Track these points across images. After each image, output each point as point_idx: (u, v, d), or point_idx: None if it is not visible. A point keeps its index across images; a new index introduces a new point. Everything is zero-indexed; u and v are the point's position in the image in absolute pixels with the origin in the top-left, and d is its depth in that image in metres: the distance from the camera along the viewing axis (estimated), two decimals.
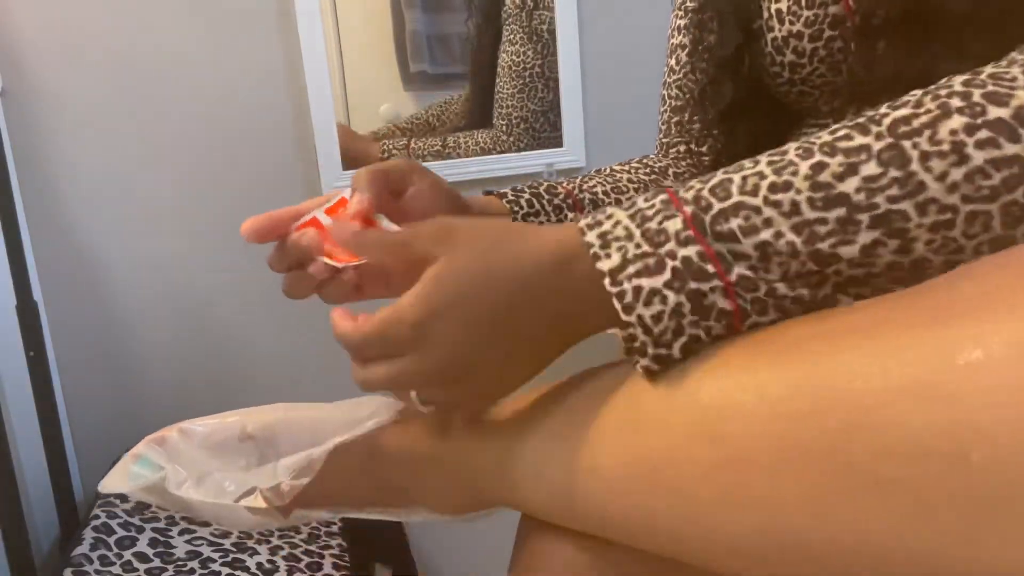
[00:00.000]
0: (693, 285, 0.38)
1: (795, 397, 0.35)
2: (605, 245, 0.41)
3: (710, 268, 0.38)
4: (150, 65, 1.18)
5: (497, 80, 1.30)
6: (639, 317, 0.39)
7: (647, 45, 1.25)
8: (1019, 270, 0.32)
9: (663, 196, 0.41)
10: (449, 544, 1.41)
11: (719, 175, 0.40)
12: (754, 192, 0.38)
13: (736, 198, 0.38)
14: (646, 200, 0.41)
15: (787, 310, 0.39)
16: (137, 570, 0.97)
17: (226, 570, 0.99)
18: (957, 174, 0.35)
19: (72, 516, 1.17)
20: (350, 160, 1.24)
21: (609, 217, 0.42)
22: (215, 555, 1.02)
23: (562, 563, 0.47)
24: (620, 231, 0.41)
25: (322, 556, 1.06)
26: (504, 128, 1.31)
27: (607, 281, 0.40)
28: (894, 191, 0.36)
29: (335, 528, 1.14)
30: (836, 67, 0.54)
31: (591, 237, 0.41)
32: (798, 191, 0.37)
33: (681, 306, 0.39)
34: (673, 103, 0.75)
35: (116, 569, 0.97)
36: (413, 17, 1.23)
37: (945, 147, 0.35)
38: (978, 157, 0.34)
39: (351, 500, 0.56)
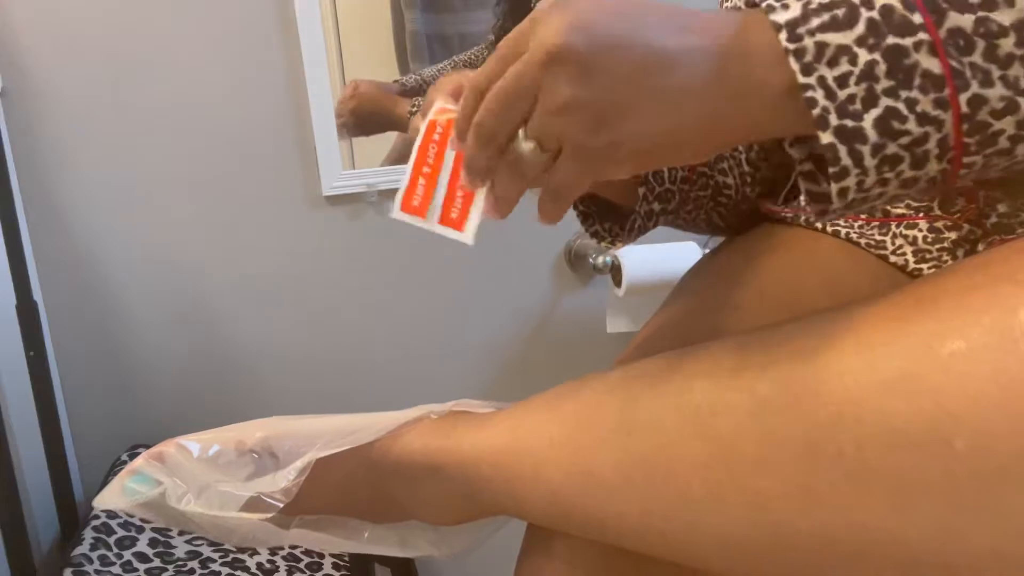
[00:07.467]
0: (891, 40, 0.32)
1: (784, 392, 0.35)
2: None
3: (916, 18, 0.31)
4: (150, 66, 1.18)
5: None
6: (820, 79, 0.32)
7: None
8: (1000, 267, 0.32)
9: None
10: None
11: None
12: None
13: None
14: None
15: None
16: (137, 570, 0.97)
17: (226, 570, 0.99)
18: None
19: (72, 516, 1.17)
20: (374, 123, 1.22)
21: None
22: (215, 555, 1.02)
23: None
24: None
25: (322, 556, 1.06)
26: None
27: (784, 35, 0.33)
28: None
29: None
30: None
31: None
32: None
33: (874, 66, 0.32)
34: None
35: (116, 569, 0.97)
36: (413, 17, 1.23)
37: None
38: None
39: (349, 511, 0.56)
